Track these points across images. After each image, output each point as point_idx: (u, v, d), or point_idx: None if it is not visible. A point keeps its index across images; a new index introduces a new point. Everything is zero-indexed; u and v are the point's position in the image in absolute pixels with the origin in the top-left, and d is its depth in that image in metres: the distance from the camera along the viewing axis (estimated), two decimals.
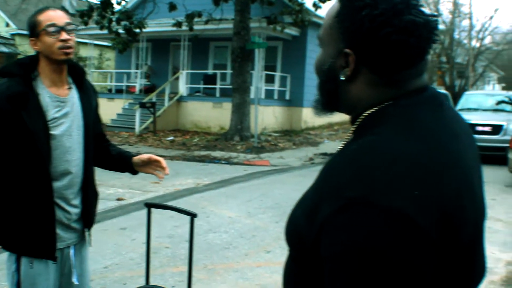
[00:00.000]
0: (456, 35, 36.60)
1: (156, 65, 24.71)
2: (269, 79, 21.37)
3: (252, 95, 17.31)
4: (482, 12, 74.06)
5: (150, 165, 2.77)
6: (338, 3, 1.20)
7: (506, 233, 7.32)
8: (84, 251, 2.73)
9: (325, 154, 15.11)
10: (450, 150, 1.10)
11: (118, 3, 18.34)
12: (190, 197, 9.24)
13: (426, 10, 1.16)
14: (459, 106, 16.09)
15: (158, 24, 20.99)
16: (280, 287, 1.22)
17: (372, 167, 1.03)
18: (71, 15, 24.92)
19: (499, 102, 16.33)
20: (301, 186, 2.38)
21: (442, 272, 1.05)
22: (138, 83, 23.29)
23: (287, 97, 21.85)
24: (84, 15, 17.48)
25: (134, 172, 2.82)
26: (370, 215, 0.99)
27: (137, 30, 17.74)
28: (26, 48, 28.53)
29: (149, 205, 3.13)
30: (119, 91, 23.94)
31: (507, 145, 11.71)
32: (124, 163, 2.81)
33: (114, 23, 17.69)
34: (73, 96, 2.59)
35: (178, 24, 18.00)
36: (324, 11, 13.58)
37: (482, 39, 36.82)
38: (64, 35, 2.42)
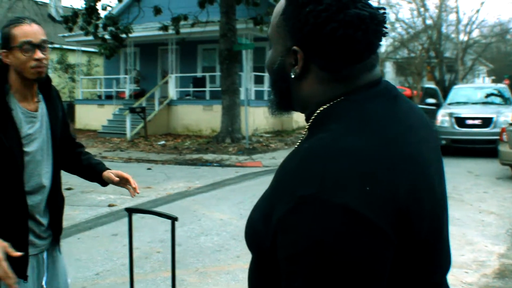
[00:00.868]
0: (443, 30, 36.70)
1: (145, 69, 24.68)
2: (259, 80, 21.35)
3: (242, 97, 17.28)
4: (468, 6, 74.30)
5: (120, 182, 2.73)
6: (283, 0, 1.18)
7: (498, 226, 7.33)
8: (57, 255, 2.68)
9: None
10: (403, 144, 1.09)
11: (104, 9, 18.28)
12: (182, 200, 9.22)
13: (372, 2, 1.14)
14: (448, 100, 16.12)
15: (145, 29, 20.97)
16: None
17: (322, 164, 1.01)
18: (57, 22, 24.82)
19: (488, 95, 16.39)
20: None
21: (400, 265, 1.04)
22: (128, 88, 23.28)
23: None
24: (68, 20, 17.41)
25: (103, 184, 2.78)
26: (322, 213, 0.97)
27: (124, 36, 17.70)
28: None
29: (130, 210, 3.11)
30: (109, 97, 23.90)
31: (498, 137, 11.74)
32: (93, 176, 2.77)
33: (100, 29, 17.64)
34: (42, 108, 2.52)
35: (165, 28, 17.98)
36: None
37: (470, 32, 36.87)
38: (38, 54, 2.33)
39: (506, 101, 15.94)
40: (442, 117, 14.56)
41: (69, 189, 9.22)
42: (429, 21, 36.52)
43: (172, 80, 21.86)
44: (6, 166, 2.34)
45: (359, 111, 1.10)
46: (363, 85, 1.14)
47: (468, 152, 14.31)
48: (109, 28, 17.52)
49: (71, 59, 28.61)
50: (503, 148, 11.07)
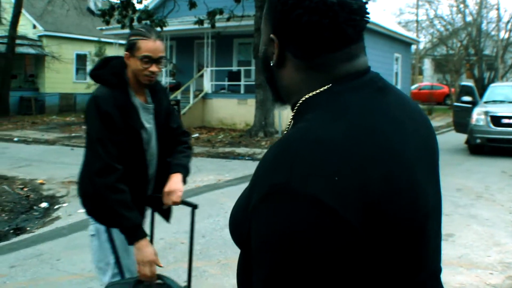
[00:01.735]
0: (483, 27, 36.03)
1: (181, 63, 24.85)
2: None
3: None
4: (510, 3, 72.61)
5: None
6: None
7: None
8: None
9: None
10: (382, 136, 1.05)
11: (139, 2, 18.46)
12: (210, 193, 9.27)
13: None
14: (484, 99, 15.77)
15: (181, 22, 21.09)
16: None
17: (295, 153, 1.00)
18: (96, 15, 25.19)
19: None
20: None
21: (378, 261, 1.01)
22: (164, 81, 23.46)
23: None
24: (105, 14, 17.64)
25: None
26: (289, 202, 0.96)
27: (158, 29, 17.84)
28: (53, 49, 28.93)
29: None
30: None
31: None
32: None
33: (136, 23, 17.83)
34: (149, 100, 2.94)
35: (200, 22, 18.05)
36: None
37: (511, 30, 36.13)
38: (154, 68, 2.75)
39: None
40: (478, 116, 14.26)
41: None
42: (468, 18, 35.96)
43: (207, 73, 21.98)
44: (135, 143, 2.81)
45: (338, 101, 1.09)
46: (345, 76, 1.12)
47: (504, 151, 14.04)
48: (144, 22, 17.68)
49: (109, 51, 28.95)
50: None
